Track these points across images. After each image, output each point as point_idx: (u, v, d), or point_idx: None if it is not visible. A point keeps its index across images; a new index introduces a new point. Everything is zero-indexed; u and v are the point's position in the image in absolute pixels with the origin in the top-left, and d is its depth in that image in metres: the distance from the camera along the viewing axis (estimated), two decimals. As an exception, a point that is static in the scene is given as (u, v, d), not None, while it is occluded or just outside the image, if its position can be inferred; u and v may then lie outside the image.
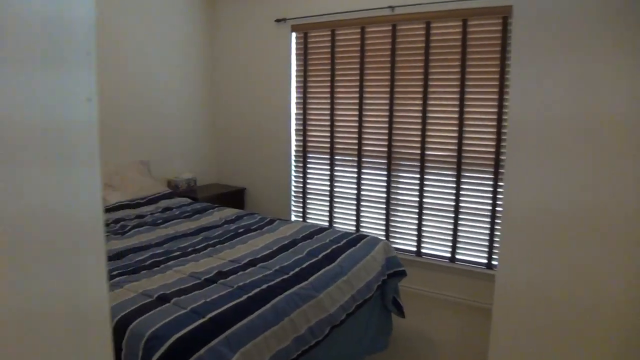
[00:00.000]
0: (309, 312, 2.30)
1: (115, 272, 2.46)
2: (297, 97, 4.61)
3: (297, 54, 4.54)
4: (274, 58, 4.66)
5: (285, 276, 2.45)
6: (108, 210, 3.69)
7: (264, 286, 2.30)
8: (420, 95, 3.91)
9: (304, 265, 2.60)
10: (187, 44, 4.82)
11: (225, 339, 1.89)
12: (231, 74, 5.03)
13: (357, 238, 3.11)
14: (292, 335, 2.19)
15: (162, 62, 4.58)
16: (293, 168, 4.74)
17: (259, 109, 4.87)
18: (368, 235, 3.19)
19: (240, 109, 5.02)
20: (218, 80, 5.14)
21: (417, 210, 4.05)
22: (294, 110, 4.65)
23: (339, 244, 2.98)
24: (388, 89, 4.05)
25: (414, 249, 4.10)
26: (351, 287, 2.64)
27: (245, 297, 2.18)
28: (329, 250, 2.85)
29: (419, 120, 3.95)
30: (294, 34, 4.52)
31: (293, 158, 4.73)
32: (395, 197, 4.15)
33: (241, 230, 3.27)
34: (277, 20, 4.53)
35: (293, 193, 4.78)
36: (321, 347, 2.42)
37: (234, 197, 4.94)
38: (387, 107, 4.09)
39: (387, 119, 4.10)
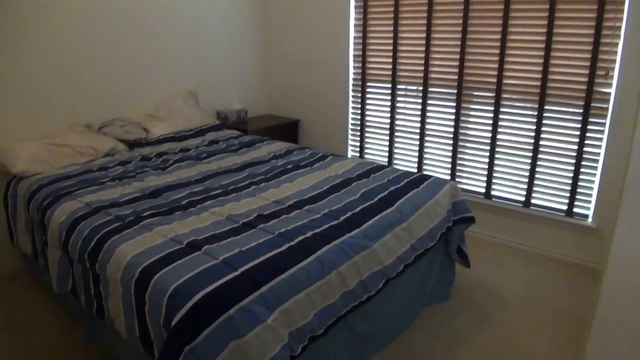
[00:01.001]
0: (360, 265, 1.99)
1: (146, 213, 2.24)
2: (355, 19, 4.11)
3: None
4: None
5: (335, 222, 2.13)
6: (151, 143, 3.49)
7: (309, 234, 2.00)
8: (499, 14, 3.31)
9: (356, 210, 2.27)
10: (235, -40, 4.37)
11: (260, 296, 1.62)
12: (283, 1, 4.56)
13: (419, 179, 2.73)
14: (340, 290, 1.90)
15: (208, -19, 4.18)
16: (351, 99, 4.32)
17: (315, 34, 4.41)
18: (432, 176, 2.79)
19: (294, 34, 4.58)
20: (271, 3, 4.69)
21: (488, 148, 3.57)
22: (352, 34, 4.16)
23: (398, 185, 2.61)
24: (462, 6, 3.47)
25: (483, 190, 3.66)
26: (411, 236, 2.30)
27: (286, 246, 1.89)
28: (386, 193, 2.49)
29: (497, 44, 3.36)
30: (352, -57, 3.95)
31: (351, 88, 4.30)
32: (465, 132, 3.67)
33: (290, 166, 2.97)
34: None
35: (350, 126, 4.39)
36: (373, 302, 2.14)
37: (287, 130, 4.62)
38: (459, 28, 3.52)
39: (458, 42, 3.55)
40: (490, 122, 3.51)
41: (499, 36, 3.35)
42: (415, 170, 3.98)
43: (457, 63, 3.59)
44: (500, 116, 3.46)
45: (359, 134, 4.33)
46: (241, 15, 4.52)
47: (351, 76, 4.26)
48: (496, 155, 3.54)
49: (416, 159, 3.99)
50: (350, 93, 4.31)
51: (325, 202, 2.36)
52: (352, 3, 4.07)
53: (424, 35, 3.71)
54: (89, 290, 2.09)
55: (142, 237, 2.00)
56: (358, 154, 4.38)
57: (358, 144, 4.36)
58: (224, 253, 1.82)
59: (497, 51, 3.37)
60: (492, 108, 3.49)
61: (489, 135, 3.54)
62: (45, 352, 2.44)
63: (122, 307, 1.82)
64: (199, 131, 3.82)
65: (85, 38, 3.41)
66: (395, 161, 4.15)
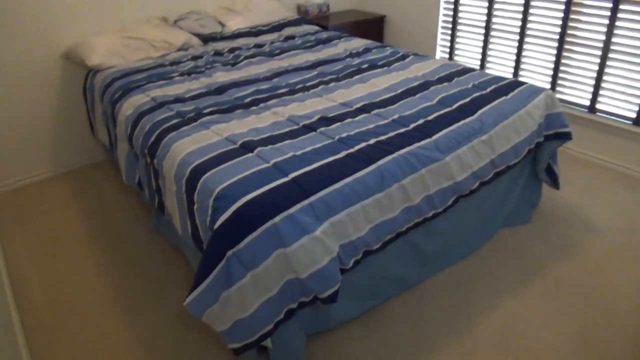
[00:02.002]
0: (428, 179, 1.79)
1: (207, 110, 2.16)
2: None
3: None
4: None
5: (403, 129, 1.91)
6: (225, 38, 3.35)
7: (372, 141, 1.81)
8: None
9: (430, 117, 2.02)
10: None
11: (309, 205, 1.50)
12: None
13: (509, 85, 2.37)
14: (401, 205, 1.73)
15: None
16: (443, -9, 3.85)
17: None
18: (526, 83, 2.42)
19: None
20: None
21: (600, 54, 3.03)
22: None
23: (483, 92, 2.29)
24: None
25: (587, 103, 3.18)
26: (491, 150, 2.03)
27: (344, 153, 1.73)
28: (467, 100, 2.20)
29: None
30: None
31: (444, -22, 3.80)
32: (574, 33, 3.14)
33: (365, 66, 2.71)
34: None
35: (441, 23, 3.94)
36: (441, 218, 1.96)
37: (372, 26, 4.26)
38: None
39: None
40: (606, 22, 2.95)
41: None
42: (510, 77, 3.53)
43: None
44: (620, 15, 2.88)
45: (450, 32, 3.89)
46: None
47: (446, -35, 3.75)
48: (608, 63, 3.01)
49: (513, 64, 3.53)
50: (444, -15, 3.82)
51: (397, 107, 2.12)
52: None
53: None
54: (150, 185, 2.09)
55: (198, 134, 1.92)
56: (447, 55, 3.97)
57: (448, 44, 3.93)
58: (276, 156, 1.69)
59: None
60: (610, 5, 2.91)
61: (603, 38, 2.99)
62: (118, 237, 2.57)
63: (176, 204, 1.79)
64: (276, 26, 3.61)
65: None
66: (488, 65, 3.71)
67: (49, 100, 3.11)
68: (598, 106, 3.13)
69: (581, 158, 3.21)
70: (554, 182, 2.50)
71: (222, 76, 2.63)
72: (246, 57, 2.93)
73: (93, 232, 2.63)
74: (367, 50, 3.02)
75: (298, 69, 2.70)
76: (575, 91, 3.23)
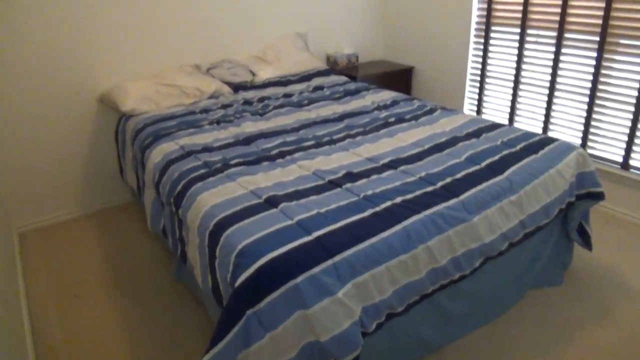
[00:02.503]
0: (455, 240, 1.75)
1: (234, 161, 2.17)
2: (485, -48, 3.60)
3: None
4: None
5: (430, 188, 1.89)
6: (256, 87, 3.42)
7: (398, 199, 1.79)
8: None
9: (458, 175, 1.99)
10: None
11: (332, 266, 1.47)
12: None
13: (540, 142, 2.34)
14: (427, 267, 1.69)
15: None
16: (472, 45, 3.87)
17: (437, -30, 3.96)
18: (557, 140, 2.38)
19: (414, -29, 4.17)
20: None
21: (632, 109, 2.98)
22: (480, -31, 3.66)
23: (513, 149, 2.26)
24: None
25: (620, 159, 3.11)
26: (521, 210, 1.98)
27: (369, 212, 1.70)
28: (497, 157, 2.16)
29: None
30: None
31: (473, 32, 3.83)
32: (605, 88, 3.10)
33: (392, 119, 2.72)
34: None
35: (469, 76, 3.96)
36: (467, 280, 1.90)
37: (400, 78, 4.30)
38: (613, -40, 2.91)
39: (610, -22, 2.94)
40: (639, 77, 2.92)
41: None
42: (540, 132, 3.49)
43: (602, 4, 2.98)
44: (655, 72, 2.85)
45: (478, 85, 3.89)
46: (358, -49, 4.19)
47: (474, 19, 3.79)
48: (643, 118, 2.96)
49: (542, 118, 3.50)
50: (472, 38, 3.85)
51: (424, 164, 2.10)
52: None
53: (567, -29, 3.13)
54: (174, 234, 2.10)
55: (224, 186, 1.93)
56: (475, 108, 3.96)
57: (476, 96, 3.93)
58: (300, 213, 1.68)
59: (662, -10, 2.74)
60: (644, 61, 2.88)
61: (635, 94, 2.95)
62: (140, 282, 2.57)
63: (198, 256, 1.79)
64: (305, 76, 3.68)
65: (196, -24, 3.37)
66: (517, 119, 3.68)
67: (82, 142, 3.20)
68: (632, 162, 3.06)
69: (614, 216, 3.11)
70: (586, 242, 2.42)
71: (250, 126, 2.66)
72: (275, 107, 2.97)
73: (116, 275, 2.64)
74: (394, 102, 3.03)
75: (325, 121, 2.72)
76: (608, 147, 3.17)
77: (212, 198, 1.85)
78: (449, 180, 1.94)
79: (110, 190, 3.42)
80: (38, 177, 3.10)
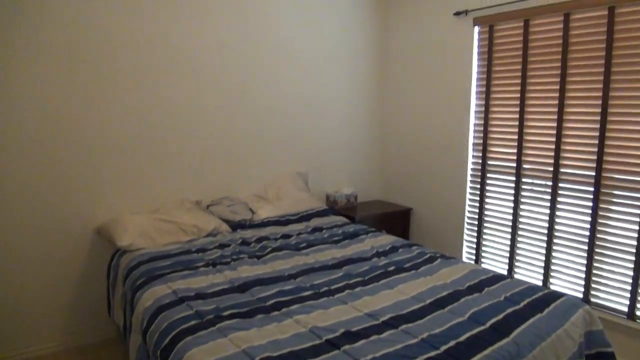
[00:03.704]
0: (461, 415, 1.60)
1: (228, 312, 2.08)
2: (477, 105, 3.83)
3: (479, 52, 3.76)
4: (451, 59, 3.94)
5: (433, 353, 1.77)
6: (254, 226, 3.42)
7: (400, 367, 1.67)
8: None
9: (461, 338, 1.89)
10: (356, 49, 4.38)
11: None
12: (401, 81, 4.44)
13: (545, 299, 2.27)
14: None
15: (328, 69, 4.21)
16: (468, 190, 3.96)
17: (432, 119, 4.19)
18: (562, 295, 2.31)
19: (410, 119, 4.41)
20: (387, 89, 4.60)
21: (633, 259, 2.96)
22: (472, 120, 3.87)
23: (517, 306, 2.18)
24: (599, 93, 3.05)
25: (626, 309, 3.01)
26: (530, 377, 1.85)
27: (368, 384, 1.58)
28: (501, 316, 2.08)
29: (648, 138, 2.87)
30: (476, 29, 3.74)
31: (469, 178, 3.95)
32: (604, 237, 3.11)
33: (391, 268, 2.67)
34: (457, 13, 3.81)
35: (467, 220, 4.00)
36: None
37: (398, 218, 4.34)
38: (596, 118, 3.08)
39: (596, 133, 3.09)
40: (637, 227, 2.93)
41: (651, 132, 2.85)
42: (540, 282, 3.43)
43: (594, 157, 3.11)
44: (652, 225, 2.88)
45: (476, 229, 3.91)
46: (357, 98, 4.47)
47: (470, 165, 3.92)
48: (644, 270, 2.93)
49: (542, 268, 3.45)
50: (469, 184, 3.95)
51: (426, 322, 2.01)
52: (474, 88, 3.82)
53: (554, 124, 3.31)
54: (158, 391, 1.94)
55: (215, 343, 1.82)
56: (474, 253, 3.94)
57: (475, 240, 3.93)
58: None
59: (649, 149, 2.86)
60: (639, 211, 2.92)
61: (635, 243, 2.95)
62: None
63: None
64: (304, 216, 3.71)
65: (201, 122, 3.54)
66: (517, 267, 3.63)
67: (73, 272, 3.13)
68: (639, 313, 2.96)
69: (627, 375, 2.93)
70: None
71: (247, 270, 2.60)
72: (273, 250, 2.94)
73: None
74: (394, 248, 3.01)
75: (324, 267, 2.67)
76: (612, 296, 3.09)
77: (201, 356, 1.73)
78: (452, 343, 1.84)
79: (94, 325, 3.25)
80: (21, 305, 2.96)
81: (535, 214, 3.49)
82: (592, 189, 3.14)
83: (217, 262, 2.74)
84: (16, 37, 2.74)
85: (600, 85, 3.04)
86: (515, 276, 3.61)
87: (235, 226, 3.40)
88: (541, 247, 3.45)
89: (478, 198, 3.87)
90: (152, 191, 3.37)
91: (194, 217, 3.28)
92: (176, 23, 3.31)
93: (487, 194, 3.81)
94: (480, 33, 3.73)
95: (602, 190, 3.09)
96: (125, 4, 3.09)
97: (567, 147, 3.26)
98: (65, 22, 2.89)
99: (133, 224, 3.04)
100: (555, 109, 3.29)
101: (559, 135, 3.29)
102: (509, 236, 3.65)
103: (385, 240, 3.18)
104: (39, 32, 2.81)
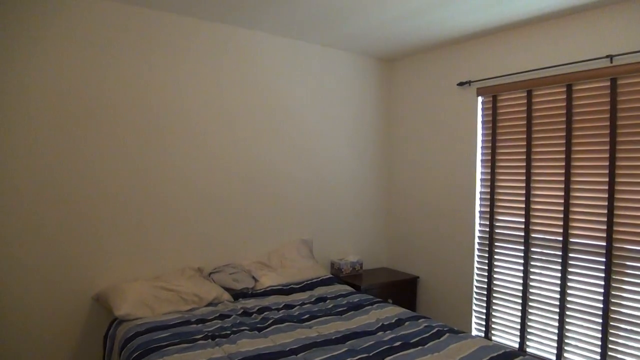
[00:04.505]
0: None
1: (225, 393, 1.97)
2: (482, 173, 3.82)
3: (483, 121, 3.80)
4: (456, 128, 3.98)
5: None
6: (257, 295, 3.34)
7: None
8: None
9: None
10: (360, 116, 4.46)
11: None
12: (407, 148, 4.48)
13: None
14: None
15: (333, 136, 4.26)
16: (476, 259, 3.88)
17: (438, 187, 4.18)
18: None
19: (416, 186, 4.40)
20: (392, 155, 4.63)
21: (653, 334, 2.84)
22: (479, 188, 3.85)
23: (530, 389, 2.06)
24: (606, 162, 3.03)
25: (650, 389, 2.85)
26: None
27: None
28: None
29: (659, 208, 2.82)
30: (480, 98, 3.80)
31: (476, 247, 3.87)
32: (619, 309, 2.99)
33: (397, 343, 2.55)
34: (460, 84, 3.89)
35: (475, 289, 3.88)
36: None
37: (405, 287, 4.23)
38: (604, 187, 3.05)
39: (605, 202, 3.05)
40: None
41: (661, 203, 2.80)
42: (554, 356, 3.28)
43: (604, 226, 3.05)
44: (669, 299, 2.77)
45: (485, 299, 3.79)
46: (363, 165, 4.49)
47: (477, 234, 3.86)
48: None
49: (555, 341, 3.31)
50: (476, 253, 3.87)
51: (434, 406, 1.89)
52: (479, 156, 3.82)
53: (562, 193, 3.27)
54: None
55: None
56: (484, 324, 3.80)
57: (484, 310, 3.80)
58: None
59: (660, 220, 2.80)
60: (657, 287, 2.83)
61: (652, 319, 2.83)
62: None
63: None
64: (308, 284, 3.62)
65: (205, 188, 3.54)
66: (528, 340, 3.48)
67: (69, 341, 3.03)
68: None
69: None
70: None
71: (247, 344, 2.50)
72: (274, 322, 2.84)
73: None
74: (399, 321, 2.90)
75: (327, 342, 2.56)
76: (632, 376, 2.93)
77: None
78: None
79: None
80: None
81: (546, 284, 3.38)
82: (603, 259, 3.06)
83: (216, 334, 2.64)
84: (6, 100, 2.77)
85: (607, 155, 3.03)
86: (528, 350, 3.46)
87: (237, 295, 3.31)
88: (554, 319, 3.32)
89: (487, 267, 3.77)
90: (153, 257, 3.32)
91: (195, 285, 3.21)
92: (186, 90, 3.40)
93: (496, 263, 3.72)
94: (483, 103, 3.79)
95: (614, 261, 3.01)
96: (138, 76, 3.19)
97: (576, 217, 3.21)
98: (60, 89, 2.97)
99: (132, 292, 2.97)
100: (562, 178, 3.27)
101: (567, 205, 3.25)
102: (520, 307, 3.53)
103: (391, 312, 3.08)
104: (30, 95, 2.85)
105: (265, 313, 3.01)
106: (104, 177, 3.11)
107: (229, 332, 2.68)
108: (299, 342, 2.56)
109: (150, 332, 2.65)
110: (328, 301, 3.30)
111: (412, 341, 2.58)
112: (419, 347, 2.50)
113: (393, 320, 2.91)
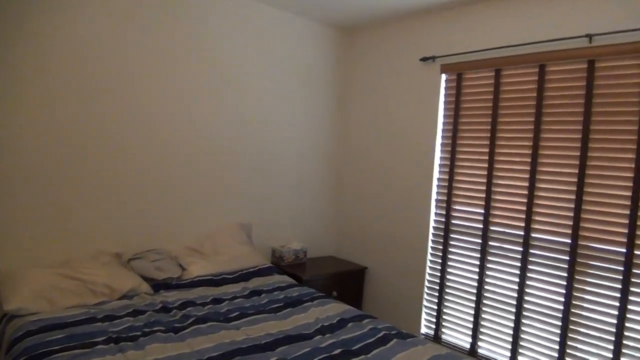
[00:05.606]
0: None
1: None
2: (441, 158, 3.49)
3: (446, 101, 3.45)
4: (417, 107, 3.63)
5: None
6: (182, 286, 2.91)
7: None
8: (631, 155, 2.55)
9: None
10: (313, 89, 4.02)
11: None
12: (362, 127, 4.10)
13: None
14: None
15: (279, 109, 3.81)
16: (429, 251, 3.57)
17: (393, 171, 3.83)
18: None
19: (369, 170, 4.04)
20: (345, 134, 4.24)
21: (612, 338, 2.60)
22: (436, 175, 3.52)
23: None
24: (577, 152, 2.75)
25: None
26: None
27: None
28: None
29: (628, 203, 2.56)
30: (443, 76, 3.45)
31: (431, 237, 3.56)
32: (579, 312, 2.75)
33: (337, 351, 2.18)
34: (424, 59, 3.51)
35: (427, 284, 3.58)
36: None
37: (352, 278, 3.89)
38: (573, 179, 2.77)
39: (573, 196, 2.78)
40: (617, 304, 2.58)
41: (629, 191, 2.54)
42: (508, 358, 3.02)
43: (570, 222, 2.78)
44: (632, 298, 2.53)
45: (437, 294, 3.49)
46: (311, 143, 4.08)
47: (432, 224, 3.55)
48: (623, 350, 2.56)
49: (509, 343, 3.05)
50: (430, 244, 3.56)
51: None
52: (439, 139, 3.49)
53: (526, 184, 2.98)
54: None
55: None
56: (434, 322, 3.51)
57: (435, 307, 3.50)
58: None
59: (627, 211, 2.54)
60: (619, 286, 2.58)
61: (614, 321, 2.59)
62: None
63: None
64: (243, 274, 3.22)
65: (129, 161, 3.04)
66: (480, 340, 3.21)
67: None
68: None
69: None
70: None
71: (156, 350, 2.07)
72: (196, 321, 2.42)
73: None
74: (341, 322, 2.54)
75: (254, 348, 2.16)
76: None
77: None
78: None
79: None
80: None
81: (503, 281, 3.11)
82: (567, 257, 2.80)
83: (122, 336, 2.19)
84: None
85: (578, 145, 2.75)
86: (479, 350, 3.20)
87: (158, 286, 2.87)
88: (509, 319, 3.06)
89: (440, 260, 3.47)
90: (64, 240, 2.82)
91: (109, 273, 2.74)
92: (125, 51, 2.87)
93: (450, 256, 3.42)
94: (447, 81, 3.43)
95: (578, 260, 2.76)
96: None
97: (540, 210, 2.93)
98: None
99: (29, 282, 2.48)
100: (528, 167, 2.98)
101: (530, 197, 2.96)
102: (474, 305, 3.25)
103: (332, 310, 2.71)
104: None
105: (188, 309, 2.58)
106: (18, 133, 2.60)
107: (139, 333, 2.24)
108: (220, 347, 2.14)
109: (44, 331, 2.17)
110: (263, 295, 2.91)
111: (353, 348, 2.22)
112: (361, 357, 2.13)
113: (334, 321, 2.55)
